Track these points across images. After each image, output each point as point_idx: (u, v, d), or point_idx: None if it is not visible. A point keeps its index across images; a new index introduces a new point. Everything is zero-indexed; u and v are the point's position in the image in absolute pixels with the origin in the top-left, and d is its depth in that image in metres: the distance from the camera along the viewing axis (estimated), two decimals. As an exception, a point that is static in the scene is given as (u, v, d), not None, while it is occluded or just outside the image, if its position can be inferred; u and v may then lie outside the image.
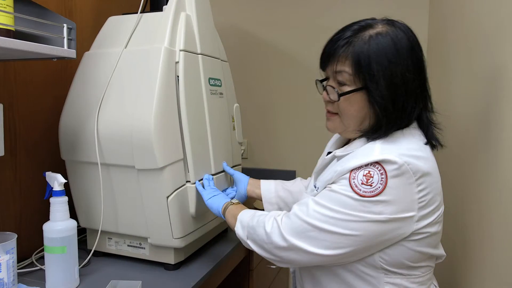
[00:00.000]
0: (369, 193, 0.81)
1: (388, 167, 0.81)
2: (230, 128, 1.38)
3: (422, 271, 0.91)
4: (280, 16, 2.03)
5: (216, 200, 1.12)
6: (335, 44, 0.90)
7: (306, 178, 1.27)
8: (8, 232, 1.02)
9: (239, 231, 1.01)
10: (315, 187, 0.99)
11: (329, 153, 1.02)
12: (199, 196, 1.16)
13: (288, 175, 2.01)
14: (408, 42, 0.87)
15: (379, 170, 0.81)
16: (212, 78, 1.27)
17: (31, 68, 1.23)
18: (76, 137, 1.16)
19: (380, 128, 0.89)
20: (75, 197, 1.23)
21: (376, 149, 0.85)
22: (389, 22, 0.90)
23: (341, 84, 0.91)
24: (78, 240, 1.33)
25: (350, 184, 0.83)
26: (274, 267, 1.81)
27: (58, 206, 1.03)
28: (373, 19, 0.92)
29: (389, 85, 0.85)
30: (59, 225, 1.02)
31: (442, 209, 0.90)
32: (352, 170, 0.84)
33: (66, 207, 1.05)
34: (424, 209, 0.84)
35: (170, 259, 1.17)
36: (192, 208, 1.17)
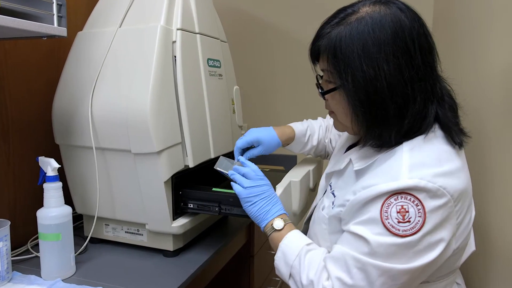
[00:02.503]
0: (408, 232, 0.69)
1: (421, 195, 0.69)
2: (230, 111, 1.34)
3: (438, 277, 0.82)
4: (281, -4, 1.97)
5: (265, 206, 0.91)
6: (317, 40, 0.81)
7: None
8: (1, 219, 0.99)
9: (281, 265, 0.85)
10: (333, 194, 0.89)
11: (349, 148, 0.94)
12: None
13: (290, 160, 1.97)
14: (396, 25, 0.73)
15: (413, 202, 0.69)
16: (211, 59, 1.22)
17: (23, 49, 1.18)
18: (70, 121, 1.12)
19: (372, 132, 0.78)
20: (70, 183, 1.19)
21: (404, 168, 0.72)
22: (380, 2, 0.77)
23: (329, 82, 0.83)
24: (75, 227, 1.31)
25: (385, 226, 0.70)
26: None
27: (52, 192, 1.00)
28: (362, 1, 0.80)
29: (363, 81, 0.74)
30: (53, 212, 0.99)
31: (473, 216, 0.81)
32: (382, 207, 0.71)
33: (60, 193, 1.01)
34: (460, 228, 0.76)
35: (169, 245, 1.14)
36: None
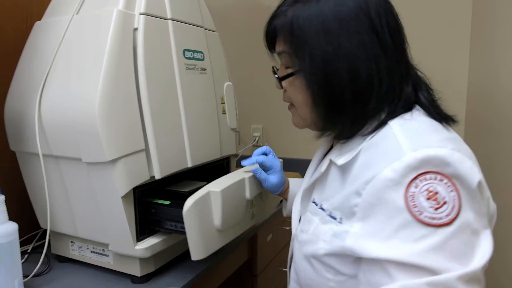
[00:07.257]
0: (453, 214, 0.54)
1: (438, 168, 0.55)
2: (217, 111, 1.15)
3: None
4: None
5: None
6: (273, 19, 0.72)
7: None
8: None
9: None
10: (322, 209, 0.70)
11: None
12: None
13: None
14: (357, 5, 0.64)
15: (435, 178, 0.55)
16: (188, 50, 1.03)
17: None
18: (21, 124, 0.97)
19: (334, 121, 0.68)
20: (31, 195, 1.05)
21: (402, 143, 0.59)
22: None
23: (286, 67, 0.73)
24: (42, 244, 1.18)
25: (424, 223, 0.54)
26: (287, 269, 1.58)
27: (-10, 207, 0.85)
28: None
29: (321, 60, 0.64)
30: (-10, 231, 0.85)
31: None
32: (406, 203, 0.55)
33: (2, 208, 0.87)
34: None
35: (136, 270, 0.96)
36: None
